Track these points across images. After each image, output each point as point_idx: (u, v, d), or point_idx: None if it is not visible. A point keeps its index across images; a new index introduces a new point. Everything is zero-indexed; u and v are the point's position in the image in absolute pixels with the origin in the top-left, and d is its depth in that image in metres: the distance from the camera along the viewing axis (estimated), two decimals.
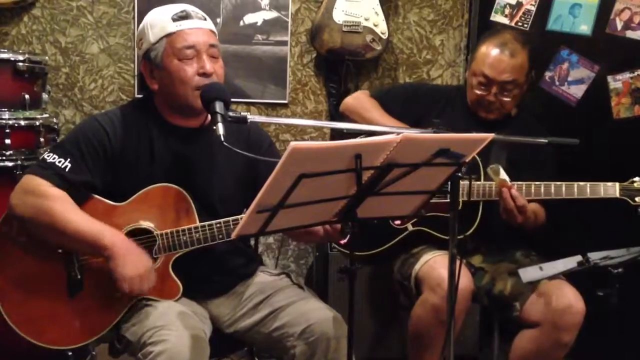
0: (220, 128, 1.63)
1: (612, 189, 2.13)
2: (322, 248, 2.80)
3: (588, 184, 2.13)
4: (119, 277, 1.73)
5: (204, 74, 1.79)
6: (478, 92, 2.24)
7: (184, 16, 1.82)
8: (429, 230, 2.24)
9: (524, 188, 2.13)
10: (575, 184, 2.13)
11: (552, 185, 2.13)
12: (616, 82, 2.88)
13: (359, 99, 2.45)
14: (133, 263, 1.73)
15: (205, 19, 1.86)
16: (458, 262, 1.66)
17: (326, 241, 2.27)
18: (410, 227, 2.26)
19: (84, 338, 1.81)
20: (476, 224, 2.16)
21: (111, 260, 1.73)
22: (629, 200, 2.12)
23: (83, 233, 1.73)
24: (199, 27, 1.82)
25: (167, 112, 1.88)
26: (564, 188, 2.13)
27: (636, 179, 2.14)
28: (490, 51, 2.21)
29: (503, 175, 2.05)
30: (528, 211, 2.10)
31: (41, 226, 1.74)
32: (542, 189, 2.14)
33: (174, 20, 1.81)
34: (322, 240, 1.98)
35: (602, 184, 2.13)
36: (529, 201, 2.13)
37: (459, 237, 2.13)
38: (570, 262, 1.84)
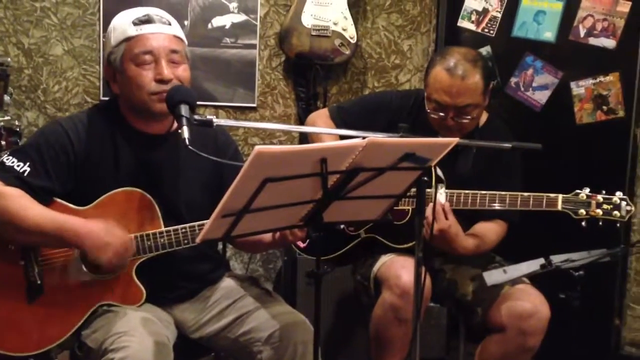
0: (185, 131, 1.61)
1: (554, 202, 2.05)
2: (290, 252, 2.79)
3: (532, 195, 2.07)
4: (97, 265, 1.71)
5: (162, 80, 1.76)
6: (435, 117, 2.13)
7: (145, 20, 1.79)
8: (379, 238, 2.23)
9: (469, 198, 2.08)
10: (519, 195, 2.07)
11: (497, 195, 2.08)
12: (579, 88, 2.94)
13: (314, 118, 2.39)
14: (106, 245, 1.70)
15: (169, 24, 1.82)
16: (414, 262, 1.64)
17: (281, 246, 2.20)
18: (363, 234, 2.26)
19: (43, 345, 1.77)
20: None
21: (82, 250, 1.71)
22: (571, 214, 2.04)
23: (44, 227, 1.69)
24: (160, 32, 1.78)
25: (132, 117, 1.86)
26: (507, 199, 2.07)
27: (583, 190, 2.07)
28: (440, 76, 2.08)
29: (440, 197, 2.00)
30: (442, 218, 2.01)
31: (0, 226, 1.70)
32: (487, 199, 2.08)
33: (135, 24, 1.78)
34: (275, 245, 1.91)
35: (545, 195, 2.06)
36: (474, 211, 2.09)
37: (407, 245, 2.15)
38: (533, 265, 1.86)
